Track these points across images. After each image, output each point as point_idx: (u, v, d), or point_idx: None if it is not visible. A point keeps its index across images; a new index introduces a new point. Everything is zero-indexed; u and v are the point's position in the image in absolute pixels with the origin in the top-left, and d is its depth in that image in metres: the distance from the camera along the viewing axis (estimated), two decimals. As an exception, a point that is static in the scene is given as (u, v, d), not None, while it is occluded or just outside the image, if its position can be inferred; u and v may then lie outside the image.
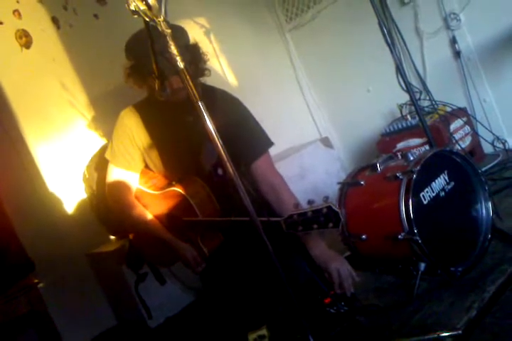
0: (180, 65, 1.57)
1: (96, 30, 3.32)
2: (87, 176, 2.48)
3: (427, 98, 3.59)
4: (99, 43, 3.26)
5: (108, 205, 2.29)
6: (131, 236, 2.35)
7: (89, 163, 2.50)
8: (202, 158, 2.15)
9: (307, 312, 1.72)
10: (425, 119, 3.22)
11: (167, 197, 2.13)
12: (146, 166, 2.28)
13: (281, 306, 2.02)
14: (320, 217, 1.62)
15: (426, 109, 3.50)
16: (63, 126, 3.14)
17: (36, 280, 2.25)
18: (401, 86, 3.78)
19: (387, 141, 3.42)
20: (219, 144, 1.59)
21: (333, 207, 1.61)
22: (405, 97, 3.72)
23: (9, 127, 2.98)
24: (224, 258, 2.16)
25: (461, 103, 3.49)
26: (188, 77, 1.58)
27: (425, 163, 2.13)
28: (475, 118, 3.45)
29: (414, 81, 3.72)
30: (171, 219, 2.15)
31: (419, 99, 3.59)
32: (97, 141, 3.16)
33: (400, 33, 3.68)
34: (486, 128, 3.42)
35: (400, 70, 3.72)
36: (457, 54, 3.51)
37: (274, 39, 4.41)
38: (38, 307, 2.21)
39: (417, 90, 3.65)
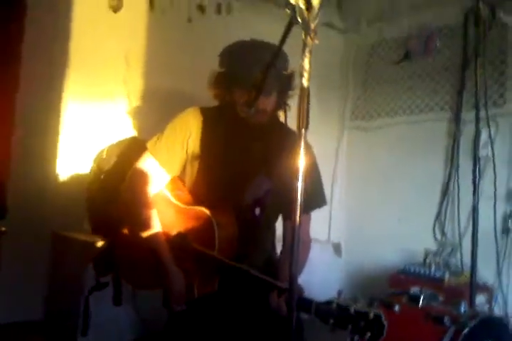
0: (305, 83, 1.28)
1: (184, 29, 3.14)
2: (103, 156, 2.13)
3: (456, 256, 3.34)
4: (180, 40, 3.14)
5: (111, 194, 1.94)
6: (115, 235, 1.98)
7: (113, 145, 2.16)
8: (247, 189, 1.87)
9: None
10: (450, 277, 2.99)
11: (189, 216, 1.81)
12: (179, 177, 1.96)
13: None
14: (361, 321, 1.32)
15: (452, 267, 3.24)
16: (104, 101, 2.91)
17: (4, 229, 2.06)
18: (434, 234, 3.54)
19: (401, 279, 3.10)
20: (299, 185, 1.26)
21: (383, 319, 1.30)
22: (433, 243, 3.51)
23: (57, 80, 2.82)
24: (207, 312, 1.81)
25: (486, 276, 3.18)
26: (307, 99, 1.31)
27: (480, 322, 1.83)
28: (496, 299, 3.15)
29: (449, 232, 3.50)
30: (178, 241, 1.80)
31: (450, 254, 3.32)
32: (128, 131, 2.88)
33: (458, 182, 3.48)
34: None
35: (440, 218, 3.60)
36: (506, 230, 3.29)
37: (331, 128, 4.18)
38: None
39: (448, 244, 3.42)
